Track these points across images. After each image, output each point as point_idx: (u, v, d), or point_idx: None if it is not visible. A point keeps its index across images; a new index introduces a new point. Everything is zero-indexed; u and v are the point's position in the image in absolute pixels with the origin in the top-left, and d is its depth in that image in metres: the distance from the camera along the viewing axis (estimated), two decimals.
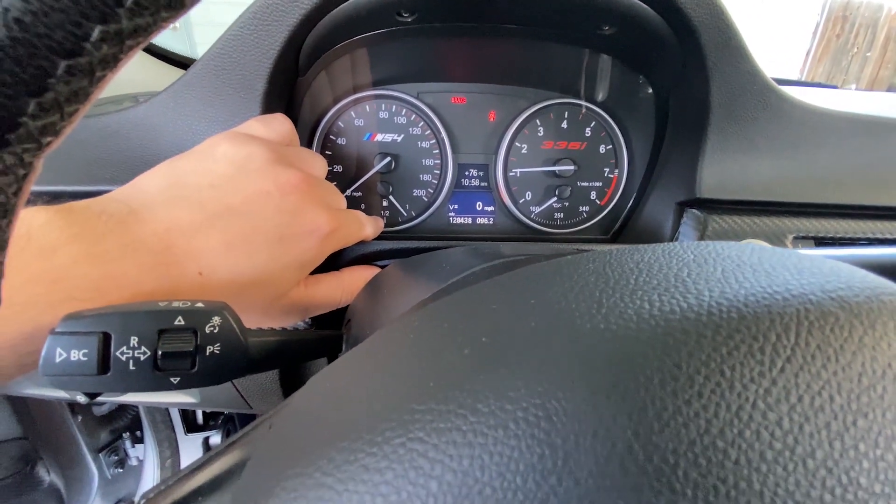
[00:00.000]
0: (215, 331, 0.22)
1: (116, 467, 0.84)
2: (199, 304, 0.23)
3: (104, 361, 0.20)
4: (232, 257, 0.29)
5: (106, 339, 0.21)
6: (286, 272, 0.31)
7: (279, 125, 0.34)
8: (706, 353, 0.10)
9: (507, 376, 0.11)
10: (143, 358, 0.21)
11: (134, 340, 0.21)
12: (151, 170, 0.30)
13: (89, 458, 0.78)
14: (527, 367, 0.11)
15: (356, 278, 0.37)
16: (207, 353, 0.22)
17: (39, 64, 0.11)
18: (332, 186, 0.36)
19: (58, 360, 0.20)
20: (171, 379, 0.22)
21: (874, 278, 0.13)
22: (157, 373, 0.21)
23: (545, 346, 0.11)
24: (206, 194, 0.28)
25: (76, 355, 0.20)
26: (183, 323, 0.22)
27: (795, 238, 0.41)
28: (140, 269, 0.25)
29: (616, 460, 0.09)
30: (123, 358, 0.21)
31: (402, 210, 0.48)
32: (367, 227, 0.38)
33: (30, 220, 0.23)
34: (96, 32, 0.11)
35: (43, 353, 0.20)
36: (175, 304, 0.22)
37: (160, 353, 0.21)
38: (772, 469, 0.09)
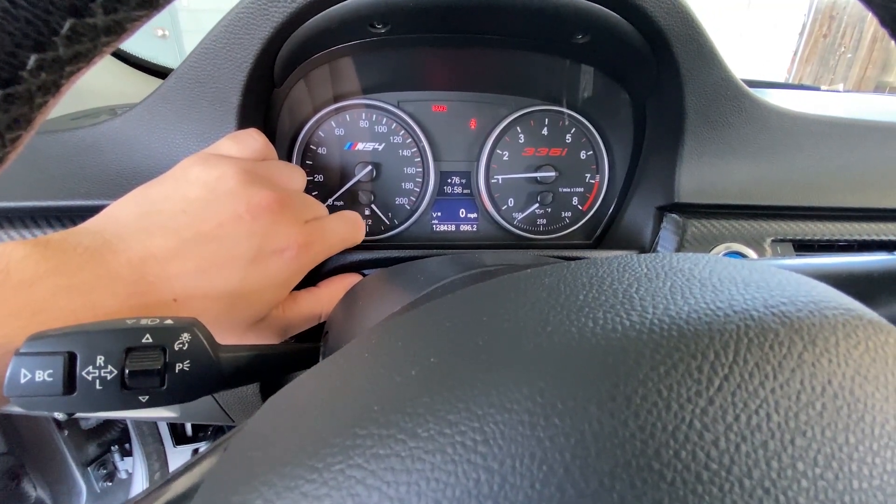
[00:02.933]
0: (184, 347, 0.22)
1: (105, 480, 0.83)
2: (168, 321, 0.22)
3: (70, 381, 0.20)
4: (206, 282, 0.29)
5: (71, 358, 0.20)
6: (264, 294, 0.31)
7: (252, 141, 0.34)
8: (644, 373, 0.10)
9: (449, 399, 0.11)
10: (109, 377, 0.21)
11: (100, 359, 0.21)
12: (125, 197, 0.30)
13: (77, 472, 0.77)
14: (468, 390, 0.11)
15: (334, 290, 0.37)
16: (177, 371, 0.22)
17: None
18: (309, 199, 0.36)
19: (23, 380, 0.20)
20: (140, 397, 0.22)
21: (822, 291, 0.13)
22: (124, 391, 0.21)
23: (486, 368, 0.11)
24: (180, 221, 0.28)
25: (41, 376, 0.20)
26: (151, 340, 0.21)
27: (774, 241, 0.41)
28: (116, 298, 0.26)
29: (553, 483, 0.09)
30: (89, 377, 0.21)
31: (384, 218, 0.48)
32: (360, 228, 0.38)
33: (8, 255, 0.24)
34: (32, 61, 0.11)
35: (7, 373, 0.20)
36: (143, 321, 0.22)
37: (127, 371, 0.21)
38: (707, 490, 0.09)
